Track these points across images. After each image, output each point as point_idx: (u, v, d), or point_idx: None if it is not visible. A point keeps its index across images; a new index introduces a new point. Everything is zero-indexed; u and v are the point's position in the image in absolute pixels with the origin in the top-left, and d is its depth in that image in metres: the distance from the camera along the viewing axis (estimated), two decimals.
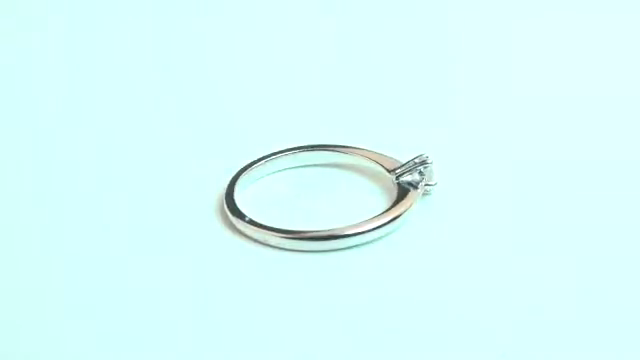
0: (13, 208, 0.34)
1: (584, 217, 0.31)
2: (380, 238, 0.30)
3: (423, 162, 0.31)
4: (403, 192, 0.31)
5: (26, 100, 0.43)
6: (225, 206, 0.32)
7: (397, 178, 0.32)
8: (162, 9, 0.49)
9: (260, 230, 0.30)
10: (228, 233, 0.31)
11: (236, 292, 0.29)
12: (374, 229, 0.30)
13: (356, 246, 0.30)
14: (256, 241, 0.31)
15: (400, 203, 0.31)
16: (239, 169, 0.34)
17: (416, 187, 0.31)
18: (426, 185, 0.31)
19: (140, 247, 0.31)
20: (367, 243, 0.30)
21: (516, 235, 0.30)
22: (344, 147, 0.34)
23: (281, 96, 0.42)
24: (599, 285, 0.28)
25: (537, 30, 0.45)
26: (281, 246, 0.30)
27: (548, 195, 0.32)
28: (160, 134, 0.39)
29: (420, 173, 0.31)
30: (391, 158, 0.33)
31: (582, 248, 0.30)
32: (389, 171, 0.32)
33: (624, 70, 0.42)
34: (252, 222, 0.31)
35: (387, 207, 0.31)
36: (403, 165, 0.32)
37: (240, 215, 0.31)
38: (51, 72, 0.45)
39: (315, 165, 0.35)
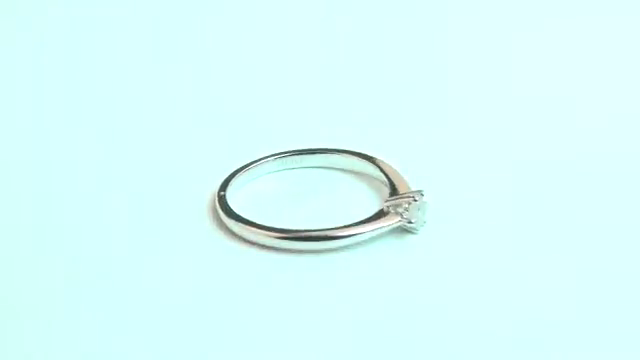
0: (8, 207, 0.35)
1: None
2: (340, 248, 0.31)
3: (412, 198, 0.31)
4: (383, 213, 0.31)
5: (22, 100, 0.44)
6: (217, 206, 0.32)
7: (387, 207, 0.31)
8: (158, 14, 0.50)
9: (250, 228, 0.31)
10: (220, 233, 0.32)
11: (226, 292, 0.29)
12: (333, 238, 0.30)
13: (337, 249, 0.31)
14: (246, 240, 0.31)
15: (371, 222, 0.31)
16: (235, 169, 0.34)
17: (400, 215, 0.31)
18: (406, 219, 0.31)
19: (133, 246, 0.32)
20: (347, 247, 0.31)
21: (512, 246, 0.31)
22: (365, 156, 0.35)
23: (283, 99, 0.43)
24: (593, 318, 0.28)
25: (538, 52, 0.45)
26: (270, 245, 0.31)
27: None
28: (157, 133, 0.40)
29: (406, 208, 0.31)
30: (404, 180, 0.33)
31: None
32: (391, 193, 0.32)
33: (621, 77, 0.42)
34: (224, 199, 0.32)
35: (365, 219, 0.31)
36: (398, 196, 0.32)
37: (233, 215, 0.32)
38: (48, 72, 0.46)
39: (331, 168, 0.36)
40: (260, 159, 0.35)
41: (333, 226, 0.30)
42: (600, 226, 0.32)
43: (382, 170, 0.34)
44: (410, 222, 0.31)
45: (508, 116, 0.40)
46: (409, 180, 0.33)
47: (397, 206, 0.31)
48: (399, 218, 0.31)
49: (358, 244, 0.31)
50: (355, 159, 0.36)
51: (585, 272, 0.29)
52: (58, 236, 0.32)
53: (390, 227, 0.31)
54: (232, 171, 0.34)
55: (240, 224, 0.31)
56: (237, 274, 0.30)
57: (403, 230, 0.31)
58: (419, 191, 0.31)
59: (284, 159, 0.36)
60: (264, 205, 0.34)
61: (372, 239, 0.31)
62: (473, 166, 0.36)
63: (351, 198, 0.34)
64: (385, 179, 0.34)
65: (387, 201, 0.32)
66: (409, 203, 0.31)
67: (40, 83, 0.45)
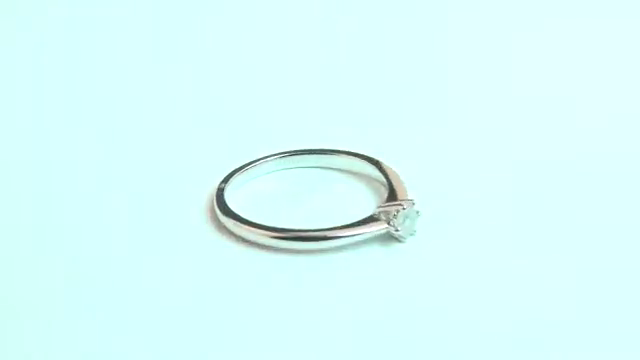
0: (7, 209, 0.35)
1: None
2: (324, 250, 0.31)
3: (401, 206, 0.31)
4: (373, 219, 0.31)
5: (21, 100, 0.44)
6: (215, 206, 0.33)
7: (378, 213, 0.32)
8: (158, 14, 0.50)
9: (246, 227, 0.31)
10: (217, 233, 0.32)
11: (222, 291, 0.29)
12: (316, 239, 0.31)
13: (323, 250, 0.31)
14: (243, 239, 0.32)
15: (358, 226, 0.31)
16: (233, 169, 0.35)
17: (387, 222, 0.31)
18: (392, 227, 0.31)
19: (131, 246, 0.32)
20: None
21: (507, 255, 0.31)
22: (369, 158, 0.36)
23: (283, 99, 0.43)
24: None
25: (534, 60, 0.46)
26: (260, 243, 0.31)
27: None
28: (156, 133, 0.41)
29: (394, 215, 0.31)
30: (403, 186, 0.34)
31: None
32: (387, 198, 0.33)
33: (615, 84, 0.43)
34: (222, 195, 0.32)
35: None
36: (389, 203, 0.32)
37: (230, 213, 0.32)
38: (48, 72, 0.47)
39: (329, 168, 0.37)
40: (260, 159, 0.36)
41: (320, 227, 0.31)
42: (598, 236, 0.32)
43: (385, 174, 0.35)
44: (397, 230, 0.31)
45: (512, 121, 0.41)
46: (409, 184, 0.34)
47: (387, 213, 0.31)
48: (386, 225, 0.31)
49: (345, 247, 0.31)
50: (358, 161, 0.36)
51: (580, 286, 0.29)
52: (56, 234, 0.33)
53: (375, 233, 0.31)
54: (232, 170, 0.35)
55: (236, 222, 0.32)
56: (232, 273, 0.30)
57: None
58: (410, 200, 0.32)
59: (284, 159, 0.36)
60: (262, 204, 0.34)
61: (360, 243, 0.31)
62: (474, 173, 0.36)
63: (351, 200, 0.35)
64: (386, 183, 0.34)
65: (379, 207, 0.32)
66: (397, 211, 0.31)
67: (40, 83, 0.46)
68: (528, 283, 0.29)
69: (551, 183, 0.35)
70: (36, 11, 0.50)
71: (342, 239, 0.31)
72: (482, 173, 0.36)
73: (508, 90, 0.43)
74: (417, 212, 0.32)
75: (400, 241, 0.32)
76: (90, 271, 0.31)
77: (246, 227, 0.32)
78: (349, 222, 0.31)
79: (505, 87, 0.44)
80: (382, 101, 0.43)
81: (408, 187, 0.34)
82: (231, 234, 0.32)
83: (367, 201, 0.34)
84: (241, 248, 0.31)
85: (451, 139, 0.39)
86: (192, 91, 0.45)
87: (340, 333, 0.27)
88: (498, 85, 0.44)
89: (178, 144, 0.39)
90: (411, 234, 0.32)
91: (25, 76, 0.46)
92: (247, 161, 0.36)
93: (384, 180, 0.34)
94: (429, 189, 0.34)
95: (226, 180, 0.34)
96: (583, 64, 0.45)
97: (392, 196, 0.33)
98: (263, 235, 0.31)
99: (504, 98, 0.43)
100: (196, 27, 0.49)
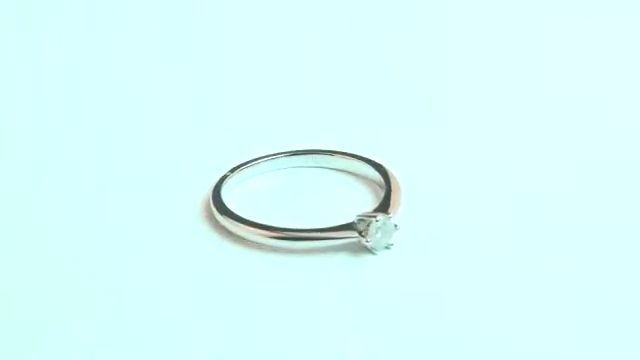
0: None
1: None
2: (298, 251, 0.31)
3: (374, 218, 0.31)
4: (349, 226, 0.31)
5: (21, 98, 0.45)
6: (212, 204, 0.33)
7: (357, 221, 0.31)
8: (158, 14, 0.50)
9: (242, 226, 0.32)
10: (213, 232, 0.33)
11: (216, 290, 0.30)
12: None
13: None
14: (240, 238, 0.32)
15: (331, 231, 0.31)
16: (229, 169, 0.35)
17: (359, 232, 0.31)
18: (363, 237, 0.31)
19: (127, 245, 0.32)
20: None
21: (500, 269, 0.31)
22: (374, 163, 0.36)
23: (282, 100, 0.43)
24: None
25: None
26: (260, 242, 0.32)
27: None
28: (154, 133, 0.41)
29: (367, 226, 0.31)
30: (399, 194, 0.33)
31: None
32: (379, 205, 0.33)
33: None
34: (219, 191, 0.33)
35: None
36: (366, 213, 0.32)
37: (227, 212, 0.32)
38: (48, 71, 0.47)
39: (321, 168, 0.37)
40: (257, 158, 0.36)
41: (292, 228, 0.31)
42: (592, 257, 0.31)
43: (387, 180, 0.34)
44: (367, 241, 0.31)
45: (515, 128, 0.40)
46: (407, 189, 0.34)
47: (363, 222, 0.31)
48: (357, 234, 0.31)
49: (318, 250, 0.31)
50: (359, 163, 0.36)
51: (571, 308, 0.29)
52: (53, 233, 0.33)
53: (344, 241, 0.31)
54: (230, 168, 0.36)
55: (233, 221, 0.32)
56: (228, 271, 0.31)
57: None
58: (386, 214, 0.31)
59: (283, 159, 0.37)
60: (258, 204, 0.35)
61: (336, 248, 0.31)
62: (472, 180, 0.36)
63: (348, 202, 0.35)
64: (385, 188, 0.34)
65: (358, 215, 0.32)
66: (370, 223, 0.31)
67: (39, 82, 0.47)
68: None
69: (556, 198, 0.34)
70: (36, 11, 0.51)
71: (312, 242, 0.31)
72: (480, 181, 0.36)
73: (511, 96, 0.43)
74: (395, 226, 0.31)
75: (372, 253, 0.31)
76: (85, 270, 0.31)
77: (242, 226, 0.32)
78: (325, 226, 0.31)
79: (508, 92, 0.43)
80: (383, 102, 0.43)
81: (406, 193, 0.34)
82: (227, 233, 0.33)
83: (365, 204, 0.34)
84: (237, 247, 0.32)
85: (453, 141, 0.39)
86: (191, 90, 0.45)
87: (331, 332, 0.28)
88: (501, 90, 0.43)
89: (176, 143, 0.40)
90: (386, 247, 0.31)
91: (25, 75, 0.47)
92: (243, 162, 0.36)
93: (385, 185, 0.34)
94: (425, 196, 0.34)
95: (224, 178, 0.35)
96: (585, 67, 0.44)
97: (384, 204, 0.33)
98: (259, 234, 0.32)
99: (507, 104, 0.42)
100: (197, 26, 0.50)
